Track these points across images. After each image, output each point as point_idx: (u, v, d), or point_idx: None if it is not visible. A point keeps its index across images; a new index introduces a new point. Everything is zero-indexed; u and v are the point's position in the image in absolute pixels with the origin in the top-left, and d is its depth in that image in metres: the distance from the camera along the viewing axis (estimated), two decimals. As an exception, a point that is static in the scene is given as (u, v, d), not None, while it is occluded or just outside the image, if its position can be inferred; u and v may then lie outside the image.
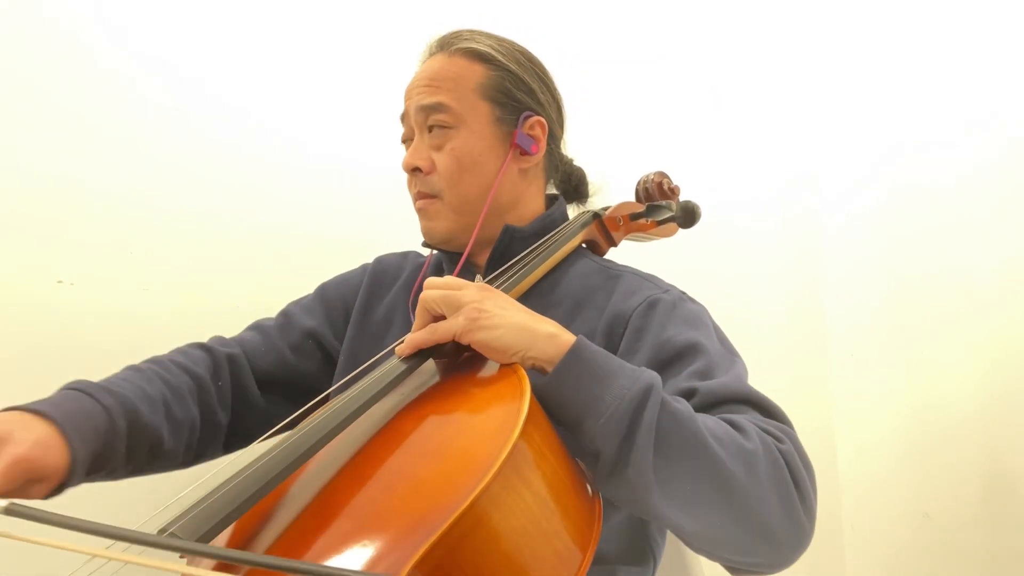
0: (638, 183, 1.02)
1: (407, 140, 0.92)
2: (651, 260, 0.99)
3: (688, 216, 0.95)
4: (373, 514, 0.50)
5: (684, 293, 0.87)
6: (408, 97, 0.91)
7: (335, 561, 0.47)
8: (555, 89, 0.97)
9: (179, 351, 0.87)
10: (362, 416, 0.61)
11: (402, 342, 0.69)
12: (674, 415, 0.60)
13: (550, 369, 0.62)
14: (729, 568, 0.67)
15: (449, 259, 0.96)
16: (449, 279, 0.69)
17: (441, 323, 0.66)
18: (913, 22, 1.56)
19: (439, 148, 0.88)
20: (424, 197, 0.89)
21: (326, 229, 1.27)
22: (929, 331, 1.51)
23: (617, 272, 0.90)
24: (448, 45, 0.91)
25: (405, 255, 1.04)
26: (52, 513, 0.44)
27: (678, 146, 1.57)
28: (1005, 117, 1.38)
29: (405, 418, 0.63)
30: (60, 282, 1.05)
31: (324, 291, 1.00)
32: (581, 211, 1.01)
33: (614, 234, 0.99)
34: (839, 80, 1.74)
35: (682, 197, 1.01)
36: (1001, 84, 1.39)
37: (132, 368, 0.80)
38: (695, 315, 0.83)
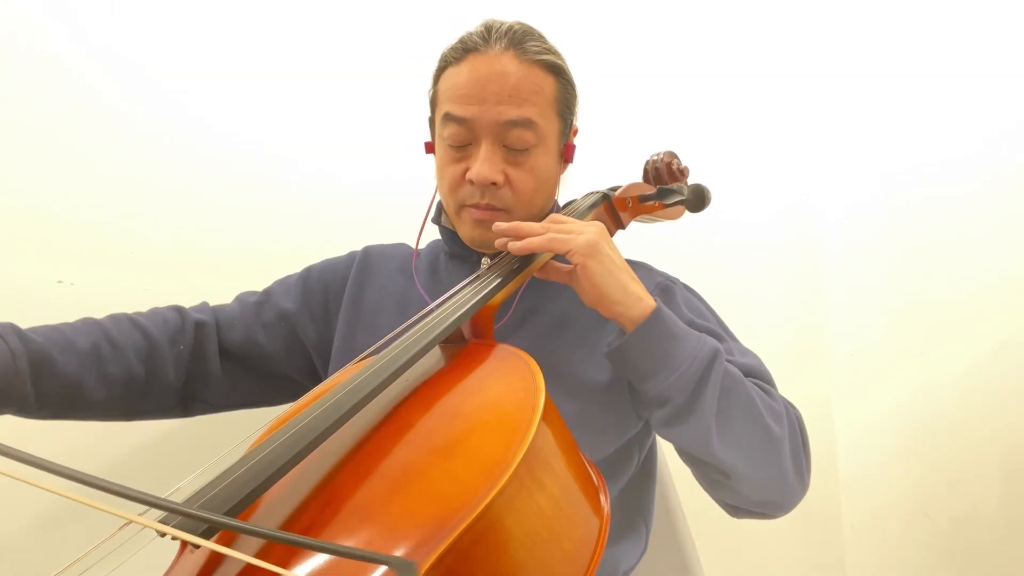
0: (647, 162, 1.00)
1: (462, 144, 0.84)
2: (653, 263, 0.99)
3: (699, 200, 0.94)
4: (381, 515, 0.48)
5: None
6: (480, 100, 0.82)
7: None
8: None
9: (153, 310, 0.89)
10: (380, 393, 0.59)
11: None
12: (731, 376, 0.74)
13: (631, 328, 0.72)
14: (735, 510, 0.81)
15: (453, 248, 0.95)
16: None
17: (560, 234, 0.74)
18: (911, 46, 1.56)
19: (518, 165, 0.84)
20: (490, 209, 0.85)
21: (326, 228, 1.27)
22: (929, 334, 1.51)
23: None
24: (520, 48, 0.84)
25: (394, 246, 1.03)
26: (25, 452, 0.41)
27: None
28: (1003, 139, 1.38)
29: (412, 407, 0.61)
30: (60, 282, 1.04)
31: (308, 276, 0.99)
32: (590, 191, 0.98)
33: (622, 215, 0.97)
34: (837, 103, 1.74)
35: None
36: (998, 106, 1.39)
37: (84, 319, 0.83)
38: (702, 302, 0.94)
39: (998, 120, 1.39)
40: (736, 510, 0.82)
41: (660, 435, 0.78)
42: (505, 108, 0.81)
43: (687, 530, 1.07)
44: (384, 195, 1.30)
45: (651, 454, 0.95)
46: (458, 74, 0.84)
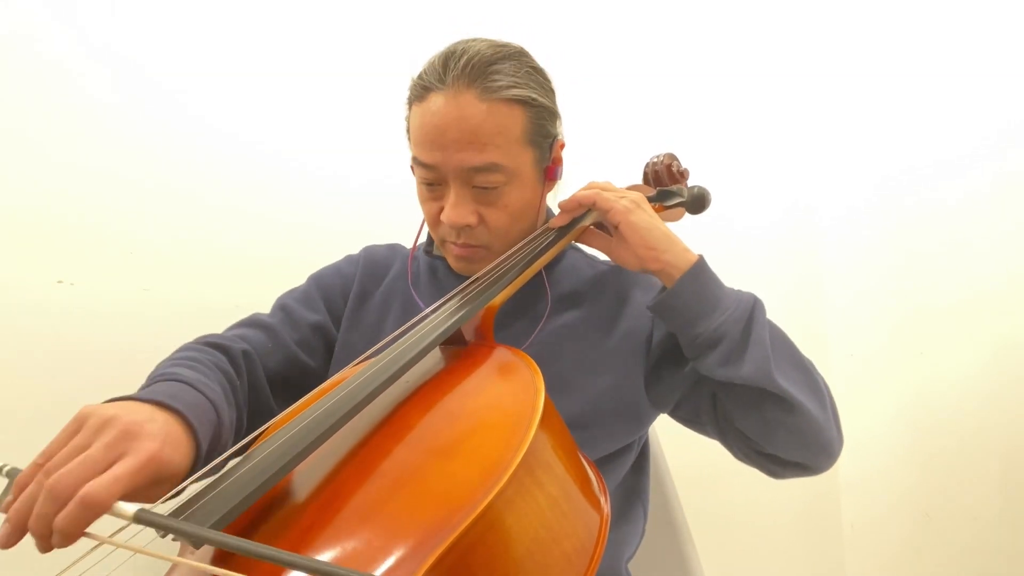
0: (646, 165, 1.00)
1: (434, 183, 0.82)
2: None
3: (698, 202, 0.95)
4: (381, 515, 0.48)
5: None
6: (441, 147, 0.78)
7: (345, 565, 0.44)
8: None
9: (195, 348, 0.76)
10: (381, 394, 0.59)
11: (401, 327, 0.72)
12: (771, 322, 0.80)
13: (677, 275, 0.77)
14: (781, 465, 0.83)
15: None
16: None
17: (607, 193, 0.82)
18: (909, 47, 1.56)
19: (490, 204, 0.81)
20: (469, 247, 0.84)
21: (325, 228, 1.27)
22: (929, 335, 1.51)
23: (608, 263, 0.96)
24: (482, 85, 0.77)
25: (392, 247, 1.02)
26: (187, 524, 0.41)
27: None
28: (1000, 141, 1.38)
29: (412, 407, 0.60)
30: (60, 282, 1.04)
31: (320, 281, 0.95)
32: None
33: None
34: (835, 106, 1.74)
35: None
36: (995, 108, 1.39)
37: (184, 362, 0.70)
38: None
39: (996, 122, 1.39)
40: (782, 465, 0.82)
41: (719, 377, 0.77)
42: (466, 155, 0.77)
43: (687, 530, 1.07)
44: (385, 195, 1.30)
45: (646, 442, 0.96)
46: (422, 114, 0.79)
